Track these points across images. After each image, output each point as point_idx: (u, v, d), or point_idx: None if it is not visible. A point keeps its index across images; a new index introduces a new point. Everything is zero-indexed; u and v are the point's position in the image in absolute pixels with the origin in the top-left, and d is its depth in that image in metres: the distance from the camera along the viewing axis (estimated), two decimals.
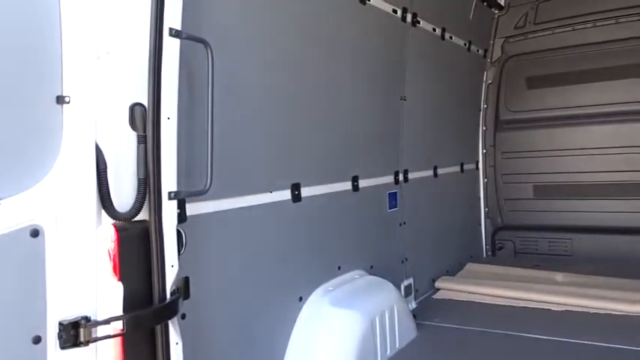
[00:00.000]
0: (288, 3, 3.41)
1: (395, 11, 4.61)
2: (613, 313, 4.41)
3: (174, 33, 2.32)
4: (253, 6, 3.14)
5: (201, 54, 2.48)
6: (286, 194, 3.46)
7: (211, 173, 2.48)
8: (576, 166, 6.32)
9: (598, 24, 6.02)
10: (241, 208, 3.06)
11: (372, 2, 4.22)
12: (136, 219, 2.19)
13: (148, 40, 2.21)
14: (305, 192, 3.58)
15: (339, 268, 3.95)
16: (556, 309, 4.59)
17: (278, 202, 3.37)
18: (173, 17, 2.31)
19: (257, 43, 3.17)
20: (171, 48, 2.32)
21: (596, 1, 5.99)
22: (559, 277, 5.39)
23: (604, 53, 6.06)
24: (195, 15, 2.54)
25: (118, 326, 2.09)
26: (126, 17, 2.15)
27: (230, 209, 2.98)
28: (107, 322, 2.08)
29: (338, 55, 3.95)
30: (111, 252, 2.11)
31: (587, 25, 6.07)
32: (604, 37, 6.01)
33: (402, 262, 4.86)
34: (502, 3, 6.50)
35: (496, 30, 6.61)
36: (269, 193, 3.30)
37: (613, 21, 5.93)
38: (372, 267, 4.30)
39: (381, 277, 4.16)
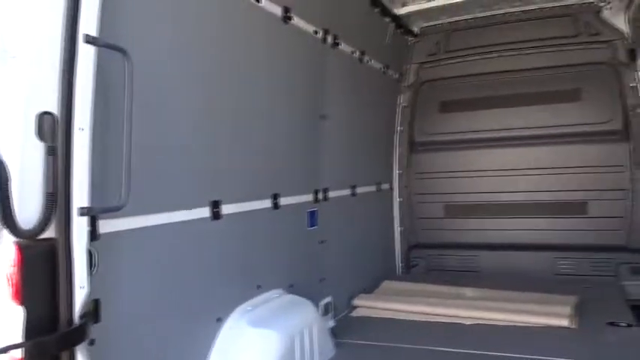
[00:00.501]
0: (209, 18, 3.36)
1: (316, 32, 4.69)
2: (517, 324, 4.67)
3: (90, 39, 2.20)
4: (175, 20, 3.06)
5: (121, 63, 2.37)
6: (206, 211, 3.36)
7: (127, 188, 2.36)
8: (483, 186, 6.74)
9: (503, 54, 6.51)
10: (158, 226, 2.93)
11: (294, 22, 4.26)
12: (42, 237, 2.03)
13: (60, 45, 2.08)
14: (225, 209, 3.50)
15: (259, 287, 3.88)
16: (467, 322, 4.79)
17: (197, 219, 3.27)
18: (89, 23, 2.20)
19: (177, 57, 3.09)
20: (86, 55, 2.20)
21: (502, 34, 6.46)
22: (468, 292, 5.65)
23: (509, 81, 6.56)
24: (115, 24, 2.43)
25: (16, 355, 1.91)
26: (35, 20, 2.02)
27: (146, 227, 2.83)
28: (4, 350, 1.89)
29: (259, 73, 3.93)
30: (11, 275, 1.93)
31: (494, 55, 6.54)
32: (509, 66, 6.50)
33: (321, 280, 4.87)
34: (416, 31, 6.82)
35: (411, 56, 6.92)
36: (188, 211, 3.19)
37: (517, 52, 6.44)
38: (291, 285, 4.26)
39: (301, 295, 4.14)
